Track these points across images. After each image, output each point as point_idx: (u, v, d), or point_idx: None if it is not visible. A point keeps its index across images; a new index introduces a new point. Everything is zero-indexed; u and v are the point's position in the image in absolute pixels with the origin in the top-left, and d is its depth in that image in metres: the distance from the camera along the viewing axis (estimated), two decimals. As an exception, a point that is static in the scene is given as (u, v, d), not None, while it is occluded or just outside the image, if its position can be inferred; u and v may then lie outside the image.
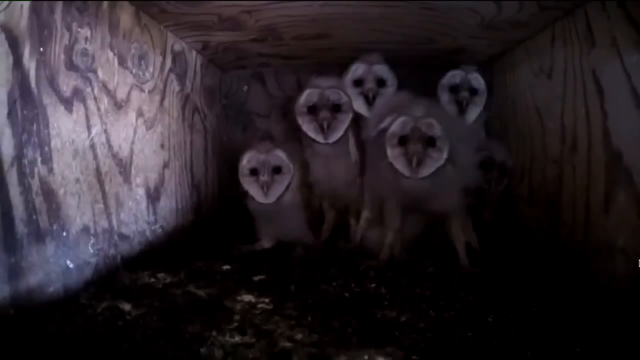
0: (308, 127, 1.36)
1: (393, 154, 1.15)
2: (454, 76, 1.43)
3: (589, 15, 1.01)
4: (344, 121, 1.36)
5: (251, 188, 1.35)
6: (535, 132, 1.28)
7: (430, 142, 1.12)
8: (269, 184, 1.32)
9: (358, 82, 1.40)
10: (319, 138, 1.36)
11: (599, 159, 0.98)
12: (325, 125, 1.34)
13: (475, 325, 0.86)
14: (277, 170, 1.34)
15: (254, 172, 1.34)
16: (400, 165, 1.14)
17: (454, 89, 1.43)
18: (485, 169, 1.42)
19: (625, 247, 0.90)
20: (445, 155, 1.12)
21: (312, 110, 1.36)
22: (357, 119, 1.39)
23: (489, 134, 1.52)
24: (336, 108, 1.36)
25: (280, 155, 1.34)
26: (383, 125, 1.19)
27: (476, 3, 1.08)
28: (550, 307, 0.95)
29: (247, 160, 1.34)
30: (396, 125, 1.14)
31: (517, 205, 1.39)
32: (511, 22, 1.17)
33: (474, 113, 1.43)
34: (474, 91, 1.42)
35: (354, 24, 1.27)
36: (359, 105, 1.39)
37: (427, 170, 1.12)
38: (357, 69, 1.41)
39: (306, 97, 1.37)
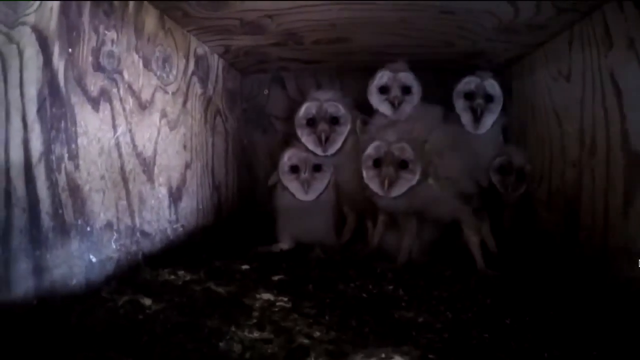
0: (307, 140, 1.41)
1: (368, 175, 1.22)
2: (469, 83, 1.44)
3: (607, 17, 1.01)
4: (342, 133, 1.41)
5: (291, 185, 1.39)
6: (554, 135, 1.27)
7: (402, 164, 1.18)
8: (309, 182, 1.36)
9: (383, 89, 1.42)
10: (318, 150, 1.40)
11: (618, 162, 0.98)
12: (323, 138, 1.38)
13: (492, 326, 0.86)
14: (317, 168, 1.38)
15: (294, 169, 1.38)
16: (374, 186, 1.22)
17: (469, 96, 1.43)
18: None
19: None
20: (417, 176, 1.18)
21: (311, 122, 1.40)
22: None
23: (507, 138, 1.51)
24: (334, 120, 1.40)
25: None
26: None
27: (494, 6, 1.09)
28: (568, 311, 0.94)
29: (288, 158, 1.39)
30: (371, 148, 1.21)
31: (535, 209, 1.38)
32: (529, 24, 1.17)
33: (489, 120, 1.43)
34: (489, 98, 1.42)
35: (373, 28, 1.28)
36: (385, 108, 1.42)
37: (398, 191, 1.19)
38: (382, 77, 1.42)
39: (305, 110, 1.41)
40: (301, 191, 1.37)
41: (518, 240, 1.41)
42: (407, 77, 1.41)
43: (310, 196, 1.37)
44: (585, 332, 0.85)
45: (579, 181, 1.13)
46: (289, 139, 1.49)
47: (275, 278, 1.11)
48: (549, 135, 1.31)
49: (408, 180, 1.18)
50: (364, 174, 1.22)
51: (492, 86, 1.43)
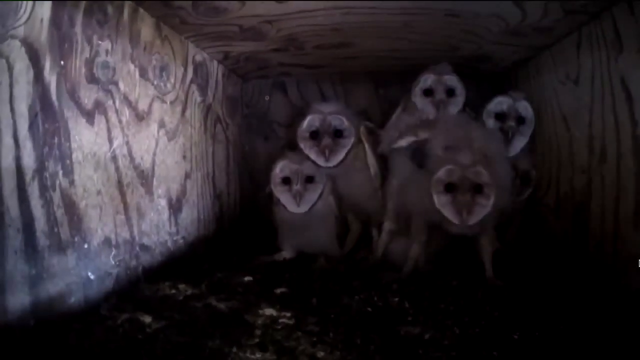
0: (310, 152, 1.38)
1: (440, 201, 1.15)
2: (500, 103, 1.40)
3: (616, 19, 0.98)
4: (346, 146, 1.38)
5: (283, 197, 1.36)
6: (562, 140, 1.25)
7: (477, 189, 1.12)
8: (301, 193, 1.33)
9: (428, 92, 1.40)
10: (321, 162, 1.38)
11: (629, 169, 0.95)
12: (327, 153, 1.37)
13: (500, 343, 0.83)
14: (309, 179, 1.35)
15: (286, 180, 1.35)
16: (449, 213, 1.14)
17: (500, 116, 1.40)
18: None
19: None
20: (492, 201, 1.12)
21: (314, 135, 1.38)
22: (374, 133, 1.41)
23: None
24: (338, 134, 1.38)
25: (313, 165, 1.36)
26: (401, 143, 1.27)
27: (501, 9, 1.06)
28: (578, 324, 0.92)
29: (280, 169, 1.36)
30: (442, 172, 1.14)
31: (543, 216, 1.35)
32: (536, 27, 1.14)
33: (519, 143, 1.40)
34: (521, 120, 1.39)
35: (376, 33, 1.25)
36: (430, 111, 1.39)
37: (475, 218, 1.13)
38: (427, 79, 1.40)
39: (308, 122, 1.39)
40: (293, 203, 1.34)
41: (525, 247, 1.39)
42: (451, 80, 1.40)
43: (303, 208, 1.34)
44: (596, 346, 0.82)
45: (589, 188, 1.11)
46: (290, 146, 1.47)
47: (278, 291, 1.08)
48: (556, 141, 1.28)
49: (484, 206, 1.13)
50: (435, 199, 1.15)
51: (525, 108, 1.39)
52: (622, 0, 0.94)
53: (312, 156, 1.38)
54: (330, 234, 1.42)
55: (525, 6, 1.04)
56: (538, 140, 1.40)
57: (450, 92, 1.39)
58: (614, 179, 1.01)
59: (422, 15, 1.13)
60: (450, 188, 1.14)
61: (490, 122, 1.40)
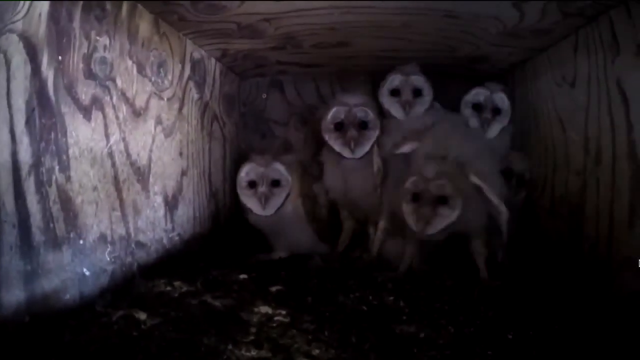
0: (335, 143, 1.38)
1: (406, 209, 1.17)
2: (477, 94, 1.43)
3: (614, 22, 0.98)
4: (371, 138, 1.38)
5: (249, 201, 1.36)
6: (558, 142, 1.25)
7: (442, 200, 1.14)
8: (267, 196, 1.33)
9: (395, 92, 1.41)
10: (346, 153, 1.37)
11: (624, 171, 0.95)
12: (352, 145, 1.36)
13: (495, 342, 0.84)
14: (275, 183, 1.35)
15: (252, 184, 1.35)
16: (410, 222, 1.16)
17: (476, 107, 1.43)
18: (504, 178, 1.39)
19: (651, 263, 0.87)
20: (457, 212, 1.13)
21: (339, 127, 1.37)
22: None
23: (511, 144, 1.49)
24: (363, 125, 1.37)
25: (278, 168, 1.35)
26: (402, 150, 1.27)
27: (500, 10, 1.06)
28: (572, 324, 0.92)
29: (246, 173, 1.36)
30: (409, 182, 1.16)
31: (538, 217, 1.36)
32: (534, 29, 1.15)
33: (495, 130, 1.43)
34: (497, 110, 1.42)
35: (374, 32, 1.25)
36: (396, 111, 1.41)
37: (433, 229, 1.14)
38: (393, 80, 1.42)
39: (333, 114, 1.38)
40: (258, 206, 1.34)
41: (521, 249, 1.39)
42: (418, 80, 1.41)
43: (268, 211, 1.33)
44: (590, 346, 0.83)
45: (584, 190, 1.11)
46: (286, 144, 1.47)
47: (274, 289, 1.09)
48: (552, 142, 1.28)
49: (446, 217, 1.14)
50: (403, 207, 1.17)
51: (502, 99, 1.42)
52: (620, 3, 0.95)
53: (337, 147, 1.37)
54: (308, 236, 1.42)
55: (523, 8, 1.04)
56: (534, 142, 1.40)
57: (417, 93, 1.40)
58: (609, 181, 1.01)
59: (421, 16, 1.13)
60: (416, 198, 1.15)
61: (468, 111, 1.43)
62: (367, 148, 1.38)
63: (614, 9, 0.98)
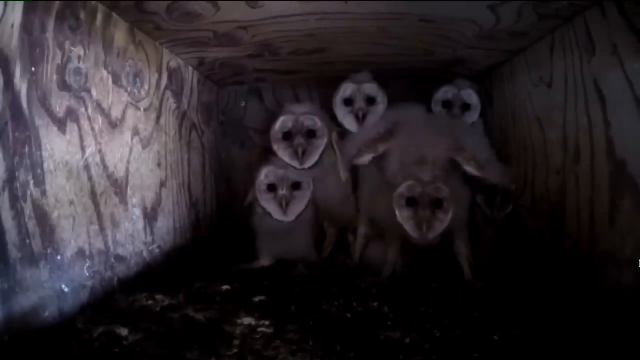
0: (283, 153, 1.37)
1: (402, 215, 1.16)
2: (446, 92, 1.47)
3: (589, 23, 1.00)
4: (319, 146, 1.37)
5: (269, 205, 1.33)
6: (537, 142, 1.26)
7: (437, 204, 1.14)
8: (288, 199, 1.30)
9: (348, 101, 1.40)
10: (295, 164, 1.36)
11: (603, 168, 0.96)
12: (300, 152, 1.34)
13: (480, 344, 0.83)
14: (296, 185, 1.32)
15: (271, 187, 1.32)
16: (409, 228, 1.16)
17: (446, 104, 1.46)
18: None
19: (632, 257, 0.88)
20: (451, 214, 1.14)
21: (287, 136, 1.36)
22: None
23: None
24: (311, 134, 1.37)
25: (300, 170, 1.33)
26: (359, 161, 1.29)
27: (475, 14, 1.07)
28: (557, 322, 0.93)
29: (265, 175, 1.33)
30: (404, 187, 1.16)
31: (520, 217, 1.36)
32: (510, 31, 1.15)
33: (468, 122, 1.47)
34: (466, 107, 1.46)
35: (351, 38, 1.25)
36: (349, 123, 1.40)
37: (434, 232, 1.15)
38: (346, 89, 1.41)
39: (281, 123, 1.37)
40: (279, 212, 1.31)
41: (503, 248, 1.40)
42: (371, 88, 1.40)
43: (290, 216, 1.31)
44: (575, 344, 0.84)
45: (563, 188, 1.12)
46: (267, 153, 1.45)
47: (257, 299, 1.07)
48: (531, 142, 1.29)
49: (442, 221, 1.14)
50: (397, 213, 1.16)
51: (470, 95, 1.46)
52: (595, 4, 0.96)
53: (286, 158, 1.36)
54: (309, 241, 1.41)
55: (498, 11, 1.04)
56: (513, 142, 1.41)
57: (371, 101, 1.40)
58: (588, 179, 1.02)
59: (397, 21, 1.13)
60: (411, 202, 1.15)
61: (438, 109, 1.46)
62: (316, 157, 1.36)
63: (589, 9, 0.99)
